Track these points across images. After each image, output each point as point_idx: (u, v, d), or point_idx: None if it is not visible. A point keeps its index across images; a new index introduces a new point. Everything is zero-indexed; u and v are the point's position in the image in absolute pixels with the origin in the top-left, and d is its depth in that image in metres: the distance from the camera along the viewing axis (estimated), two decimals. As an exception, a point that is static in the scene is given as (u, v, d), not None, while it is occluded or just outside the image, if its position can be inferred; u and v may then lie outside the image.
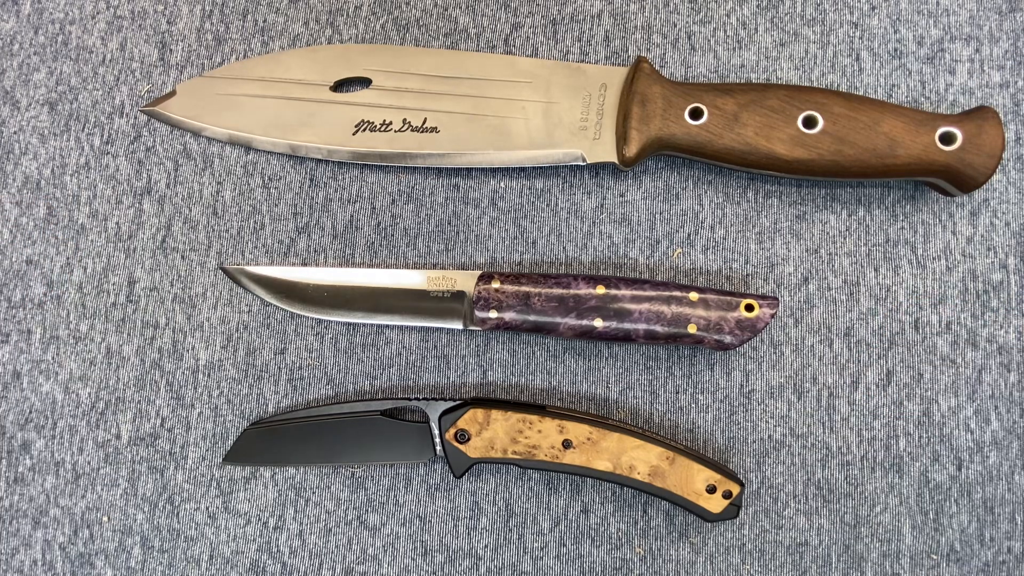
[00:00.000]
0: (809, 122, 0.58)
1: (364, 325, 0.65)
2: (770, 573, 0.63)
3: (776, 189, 0.64)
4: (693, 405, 0.63)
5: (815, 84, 0.64)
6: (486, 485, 0.64)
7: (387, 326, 0.65)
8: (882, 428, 0.63)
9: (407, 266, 0.65)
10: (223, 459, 0.64)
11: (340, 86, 0.65)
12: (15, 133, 0.68)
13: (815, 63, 0.65)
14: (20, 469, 0.66)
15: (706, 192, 0.64)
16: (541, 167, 0.65)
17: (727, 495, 0.58)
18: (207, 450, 0.65)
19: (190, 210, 0.66)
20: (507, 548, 0.64)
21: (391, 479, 0.64)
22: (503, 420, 0.59)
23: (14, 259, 0.67)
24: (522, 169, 0.65)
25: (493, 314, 0.60)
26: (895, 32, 0.64)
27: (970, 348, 0.63)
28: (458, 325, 0.62)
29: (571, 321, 0.60)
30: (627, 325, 0.59)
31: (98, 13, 0.68)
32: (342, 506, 0.64)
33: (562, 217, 0.65)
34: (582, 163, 0.62)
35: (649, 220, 0.64)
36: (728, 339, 0.59)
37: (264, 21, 0.67)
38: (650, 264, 0.64)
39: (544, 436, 0.59)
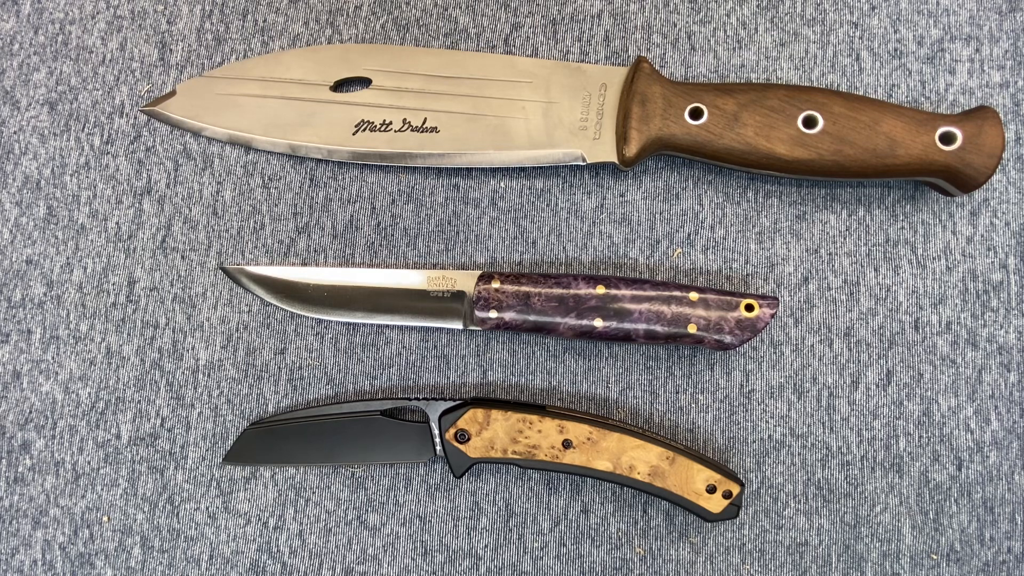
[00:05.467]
0: (809, 122, 0.58)
1: (364, 325, 0.65)
2: (770, 573, 0.63)
3: (776, 189, 0.64)
4: (693, 405, 0.63)
5: (815, 84, 0.64)
6: (486, 485, 0.64)
7: (387, 326, 0.65)
8: (882, 428, 0.63)
9: (407, 266, 0.65)
10: (223, 459, 0.64)
11: (340, 86, 0.65)
12: (15, 133, 0.68)
13: (815, 63, 0.65)
14: (20, 469, 0.66)
15: (706, 192, 0.64)
16: (541, 167, 0.65)
17: (727, 495, 0.58)
18: (207, 450, 0.65)
19: (190, 210, 0.66)
20: (507, 548, 0.64)
21: (391, 479, 0.64)
22: (503, 420, 0.59)
23: (14, 259, 0.67)
24: (522, 169, 0.65)
25: (493, 314, 0.60)
26: (895, 32, 0.64)
27: (970, 348, 0.63)
28: (458, 325, 0.62)
29: (571, 321, 0.60)
30: (627, 325, 0.59)
31: (98, 13, 0.68)
32: (342, 506, 0.64)
33: (562, 217, 0.65)
34: (582, 163, 0.62)
35: (649, 220, 0.64)
36: (728, 339, 0.59)
37: (264, 21, 0.68)
38: (650, 264, 0.64)
39: (544, 436, 0.59)
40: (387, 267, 0.65)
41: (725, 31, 0.65)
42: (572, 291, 0.60)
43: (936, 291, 0.63)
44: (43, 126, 0.68)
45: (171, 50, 0.68)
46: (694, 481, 0.58)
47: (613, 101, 0.62)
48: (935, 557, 0.62)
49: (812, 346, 0.63)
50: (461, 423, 0.59)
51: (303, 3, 0.67)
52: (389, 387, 0.65)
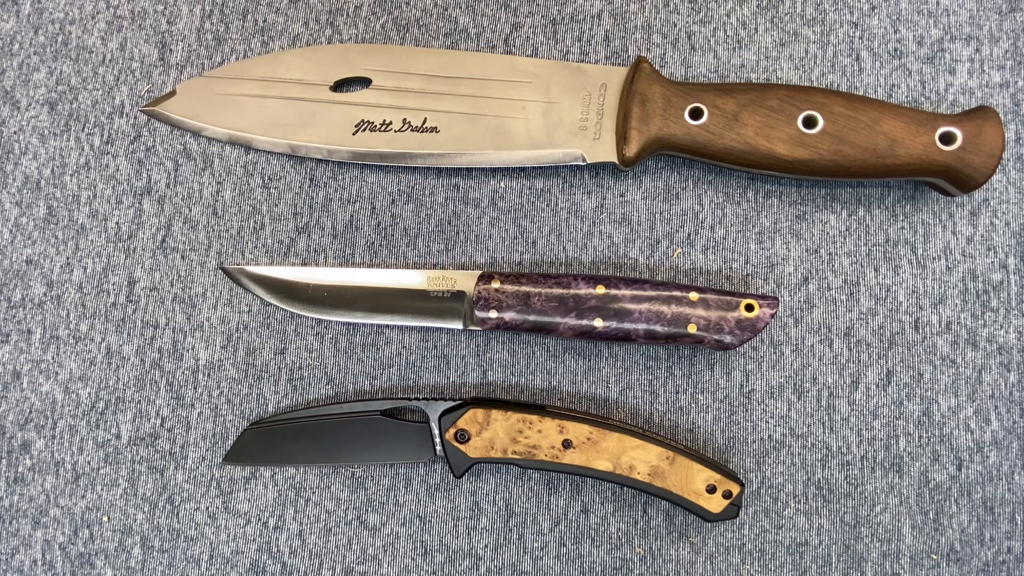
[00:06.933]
0: (809, 122, 0.58)
1: (364, 325, 0.65)
2: (770, 573, 0.63)
3: (776, 189, 0.64)
4: (693, 405, 0.63)
5: (815, 84, 0.64)
6: (486, 485, 0.64)
7: (387, 326, 0.65)
8: (882, 428, 0.63)
9: (407, 266, 0.65)
10: (223, 459, 0.64)
11: (340, 86, 0.65)
12: (15, 133, 0.68)
13: (815, 63, 0.65)
14: (20, 469, 0.66)
15: (706, 192, 0.64)
16: (541, 167, 0.65)
17: (727, 495, 0.58)
18: (207, 450, 0.65)
19: (190, 210, 0.66)
20: (507, 548, 0.64)
21: (391, 479, 0.64)
22: (503, 420, 0.59)
23: (14, 259, 0.67)
24: (522, 169, 0.65)
25: (493, 314, 0.60)
26: (895, 32, 0.64)
27: (970, 348, 0.63)
28: (458, 325, 0.62)
29: (571, 321, 0.60)
30: (627, 325, 0.59)
31: (98, 13, 0.68)
32: (342, 506, 0.64)
33: (562, 217, 0.65)
34: (582, 163, 0.62)
35: (649, 220, 0.64)
36: (728, 339, 0.59)
37: (264, 21, 0.68)
38: (650, 264, 0.64)
39: (544, 436, 0.59)
40: (387, 267, 0.65)
41: (725, 31, 0.65)
42: (572, 291, 0.60)
43: (936, 291, 0.63)
44: (43, 126, 0.68)
45: (171, 50, 0.68)
46: (694, 481, 0.58)
47: (613, 101, 0.62)
48: (935, 557, 0.62)
49: (812, 346, 0.63)
50: (461, 423, 0.59)
51: (303, 3, 0.67)
52: (389, 387, 0.65)
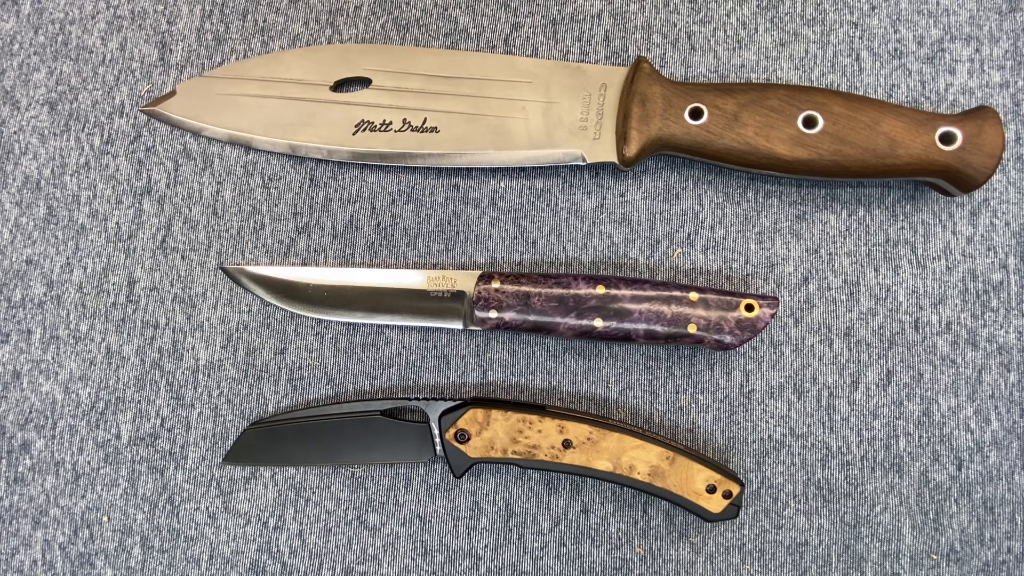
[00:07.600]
0: (809, 122, 0.58)
1: (364, 325, 0.65)
2: (770, 573, 0.63)
3: (776, 189, 0.64)
4: (693, 405, 0.63)
5: (815, 84, 0.64)
6: (486, 485, 0.64)
7: (387, 326, 0.65)
8: (882, 428, 0.63)
9: (407, 266, 0.65)
10: (223, 459, 0.64)
11: (340, 86, 0.65)
12: (15, 133, 0.68)
13: (815, 63, 0.65)
14: (20, 469, 0.66)
15: (706, 192, 0.64)
16: (541, 167, 0.65)
17: (727, 495, 0.58)
18: (207, 450, 0.65)
19: (190, 210, 0.66)
20: (507, 548, 0.64)
21: (391, 479, 0.64)
22: (503, 420, 0.59)
23: (14, 259, 0.67)
24: (522, 169, 0.65)
25: (493, 314, 0.60)
26: (895, 32, 0.64)
27: (970, 348, 0.63)
28: (458, 325, 0.62)
29: (571, 321, 0.60)
30: (627, 325, 0.59)
31: (98, 13, 0.68)
32: (342, 506, 0.64)
33: (562, 217, 0.65)
34: (582, 163, 0.62)
35: (649, 220, 0.64)
36: (728, 339, 0.59)
37: (264, 21, 0.68)
38: (650, 264, 0.64)
39: (544, 436, 0.59)
40: (387, 267, 0.65)
41: (725, 31, 0.65)
42: (572, 291, 0.60)
43: (936, 291, 0.63)
44: (43, 126, 0.68)
45: (171, 50, 0.68)
46: (694, 481, 0.58)
47: (613, 101, 0.62)
48: (935, 557, 0.62)
49: (812, 346, 0.63)
50: (461, 423, 0.59)
51: (303, 3, 0.67)
52: (389, 387, 0.65)
